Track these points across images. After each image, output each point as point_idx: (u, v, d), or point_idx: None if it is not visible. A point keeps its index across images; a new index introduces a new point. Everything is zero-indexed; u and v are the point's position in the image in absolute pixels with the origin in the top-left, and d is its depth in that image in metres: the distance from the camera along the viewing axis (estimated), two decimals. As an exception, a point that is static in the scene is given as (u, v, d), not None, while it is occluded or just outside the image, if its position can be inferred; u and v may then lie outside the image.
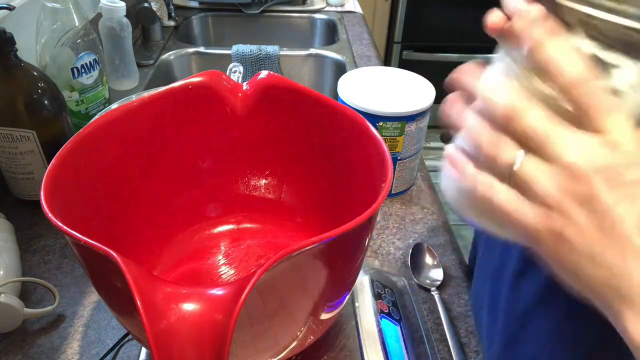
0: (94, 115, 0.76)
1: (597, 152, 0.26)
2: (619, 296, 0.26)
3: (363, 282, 0.56)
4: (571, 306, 0.29)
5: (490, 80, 0.30)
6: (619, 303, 0.26)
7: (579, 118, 0.27)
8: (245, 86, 0.53)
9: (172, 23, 1.24)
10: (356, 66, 1.11)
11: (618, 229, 0.26)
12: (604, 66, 0.27)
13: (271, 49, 1.12)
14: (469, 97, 0.31)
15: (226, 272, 0.55)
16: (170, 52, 1.13)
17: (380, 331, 0.50)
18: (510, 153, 0.28)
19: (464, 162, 0.31)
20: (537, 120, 0.27)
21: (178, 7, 1.32)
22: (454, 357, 0.50)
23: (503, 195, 0.29)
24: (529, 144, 0.28)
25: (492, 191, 0.29)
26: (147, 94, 0.49)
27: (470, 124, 0.30)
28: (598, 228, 0.26)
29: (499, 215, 0.29)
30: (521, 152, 0.28)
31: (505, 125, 0.28)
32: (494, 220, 0.33)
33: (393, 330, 0.51)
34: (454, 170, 0.31)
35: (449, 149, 0.33)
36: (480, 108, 0.30)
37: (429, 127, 0.74)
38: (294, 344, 0.42)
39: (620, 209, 0.26)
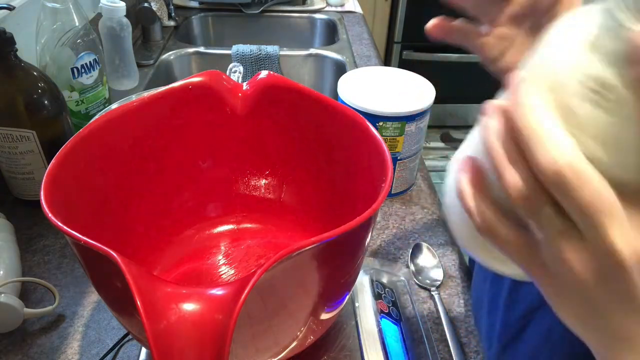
0: (94, 115, 0.76)
1: None
2: (609, 346, 0.26)
3: (363, 282, 0.56)
4: None
5: (546, 120, 0.23)
6: (608, 351, 0.26)
7: None
8: (245, 86, 0.53)
9: (172, 23, 1.24)
10: (356, 66, 1.11)
11: (633, 295, 0.24)
12: None
13: (271, 49, 1.12)
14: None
15: (226, 272, 0.55)
16: (170, 52, 1.13)
17: (380, 331, 0.50)
18: (549, 219, 0.24)
19: (466, 192, 0.28)
20: (597, 196, 0.22)
21: (178, 7, 1.32)
22: (454, 357, 0.50)
23: (505, 232, 0.26)
24: (570, 214, 0.23)
25: (496, 228, 0.27)
26: (147, 94, 0.49)
27: (498, 159, 0.25)
28: (611, 292, 0.24)
29: (503, 251, 0.27)
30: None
31: (552, 188, 0.23)
32: (497, 258, 0.32)
33: (393, 330, 0.51)
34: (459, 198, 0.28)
35: (456, 164, 0.30)
36: (518, 141, 0.24)
37: (429, 127, 0.74)
38: (294, 344, 0.42)
39: None
